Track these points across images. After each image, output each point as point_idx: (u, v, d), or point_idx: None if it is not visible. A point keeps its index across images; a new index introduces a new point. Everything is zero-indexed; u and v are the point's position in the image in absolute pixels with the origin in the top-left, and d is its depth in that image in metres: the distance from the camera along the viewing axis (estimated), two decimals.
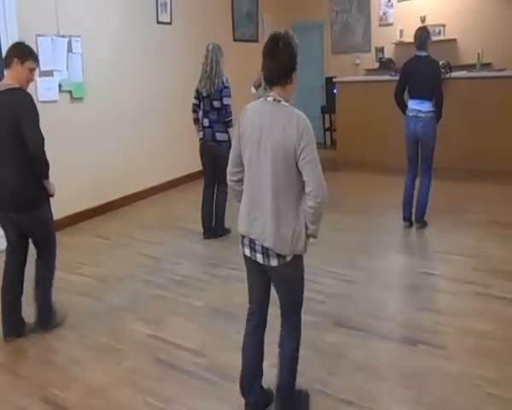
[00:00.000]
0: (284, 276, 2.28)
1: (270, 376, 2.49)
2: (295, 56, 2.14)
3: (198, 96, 4.84)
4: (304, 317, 2.42)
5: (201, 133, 4.89)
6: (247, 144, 2.23)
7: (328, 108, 9.19)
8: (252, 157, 2.22)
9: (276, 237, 2.16)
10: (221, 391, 2.70)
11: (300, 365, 2.41)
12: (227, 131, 4.78)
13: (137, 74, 6.38)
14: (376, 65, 9.02)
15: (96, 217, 5.79)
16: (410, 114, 4.85)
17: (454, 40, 8.35)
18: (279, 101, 2.17)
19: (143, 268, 4.38)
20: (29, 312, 3.37)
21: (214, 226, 5.05)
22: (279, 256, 2.20)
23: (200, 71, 4.80)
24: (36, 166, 3.06)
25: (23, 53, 3.11)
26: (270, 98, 2.19)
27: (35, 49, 3.31)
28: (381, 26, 9.07)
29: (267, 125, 2.15)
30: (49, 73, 5.21)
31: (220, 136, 4.80)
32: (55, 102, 5.26)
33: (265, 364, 2.47)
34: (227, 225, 5.04)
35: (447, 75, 6.81)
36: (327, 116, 9.41)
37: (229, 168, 2.39)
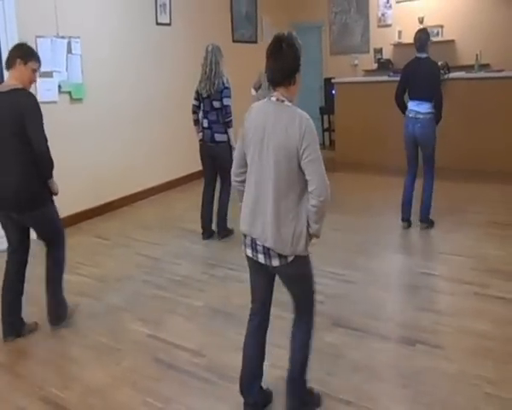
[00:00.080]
0: (286, 276, 2.30)
1: (270, 376, 2.50)
2: (299, 57, 2.16)
3: (198, 97, 4.85)
4: None
5: (201, 134, 4.91)
6: (250, 144, 2.23)
7: (327, 108, 9.21)
8: (254, 157, 2.22)
9: (277, 237, 2.17)
10: (220, 391, 2.70)
11: None
12: (226, 132, 4.79)
13: (137, 75, 6.39)
14: (375, 66, 9.04)
15: (95, 217, 5.80)
16: (410, 115, 4.87)
17: (452, 41, 8.37)
18: (282, 101, 2.18)
19: (142, 268, 4.39)
20: (29, 312, 3.39)
21: (217, 227, 5.05)
22: (280, 256, 2.21)
23: (199, 72, 4.80)
24: (40, 166, 3.07)
25: (26, 54, 3.12)
26: (273, 98, 2.20)
27: (35, 50, 3.32)
28: (379, 27, 9.09)
29: (270, 125, 2.16)
30: (49, 74, 5.21)
31: (219, 137, 4.81)
32: (54, 102, 5.27)
33: (266, 364, 2.48)
34: (230, 225, 5.04)
35: (445, 76, 6.82)
36: (325, 117, 9.42)
37: (234, 169, 2.39)
